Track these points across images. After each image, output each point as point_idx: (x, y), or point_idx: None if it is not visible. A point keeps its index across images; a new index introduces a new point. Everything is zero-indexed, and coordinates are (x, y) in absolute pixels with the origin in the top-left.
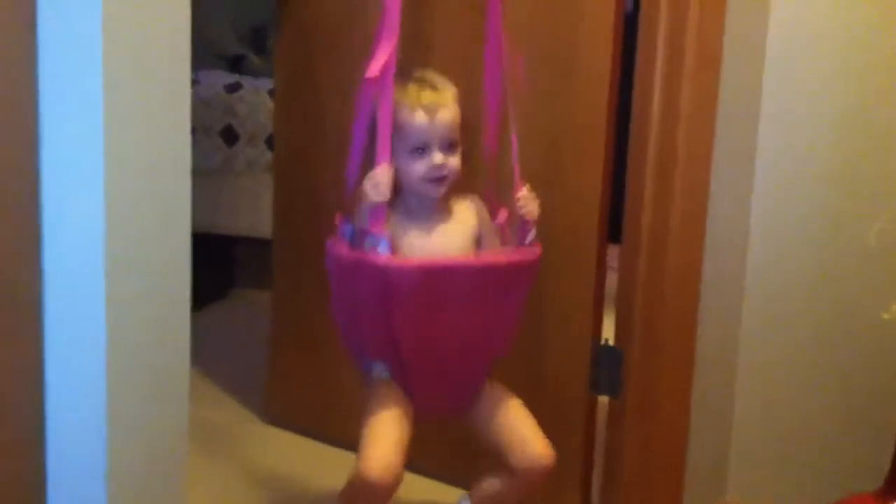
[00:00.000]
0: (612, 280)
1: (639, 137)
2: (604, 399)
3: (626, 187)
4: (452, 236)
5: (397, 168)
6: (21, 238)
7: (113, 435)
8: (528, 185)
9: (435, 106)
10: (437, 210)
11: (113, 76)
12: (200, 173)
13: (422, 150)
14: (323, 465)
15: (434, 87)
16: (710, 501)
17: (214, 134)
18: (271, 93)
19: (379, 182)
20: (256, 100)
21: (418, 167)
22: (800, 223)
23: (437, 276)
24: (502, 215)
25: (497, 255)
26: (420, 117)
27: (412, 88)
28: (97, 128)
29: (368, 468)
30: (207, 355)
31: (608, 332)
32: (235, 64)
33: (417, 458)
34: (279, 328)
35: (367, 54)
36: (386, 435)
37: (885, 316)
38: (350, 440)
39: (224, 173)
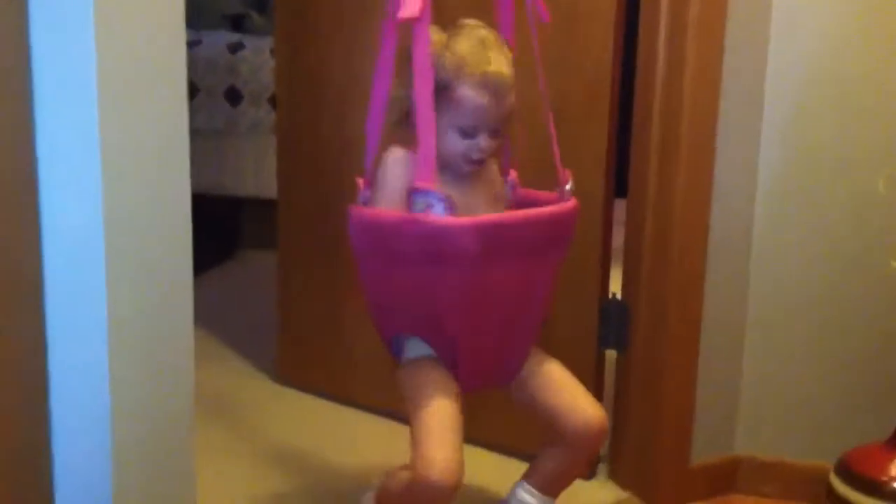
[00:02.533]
0: (618, 234)
1: (644, 90)
2: (612, 353)
3: (631, 140)
4: (480, 196)
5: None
6: (19, 217)
7: (117, 402)
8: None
9: (504, 87)
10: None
11: (106, 47)
12: (205, 135)
13: (470, 131)
14: (335, 425)
15: (501, 53)
16: (719, 455)
17: (218, 95)
18: (273, 51)
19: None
20: (259, 59)
21: (459, 145)
22: (808, 174)
23: (493, 234)
24: (512, 174)
25: (541, 209)
26: (484, 99)
27: (474, 49)
28: (91, 100)
29: (432, 472)
30: (215, 318)
31: (615, 287)
32: (237, 23)
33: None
34: (286, 289)
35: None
36: (444, 430)
37: (895, 264)
38: (362, 400)
39: (228, 134)
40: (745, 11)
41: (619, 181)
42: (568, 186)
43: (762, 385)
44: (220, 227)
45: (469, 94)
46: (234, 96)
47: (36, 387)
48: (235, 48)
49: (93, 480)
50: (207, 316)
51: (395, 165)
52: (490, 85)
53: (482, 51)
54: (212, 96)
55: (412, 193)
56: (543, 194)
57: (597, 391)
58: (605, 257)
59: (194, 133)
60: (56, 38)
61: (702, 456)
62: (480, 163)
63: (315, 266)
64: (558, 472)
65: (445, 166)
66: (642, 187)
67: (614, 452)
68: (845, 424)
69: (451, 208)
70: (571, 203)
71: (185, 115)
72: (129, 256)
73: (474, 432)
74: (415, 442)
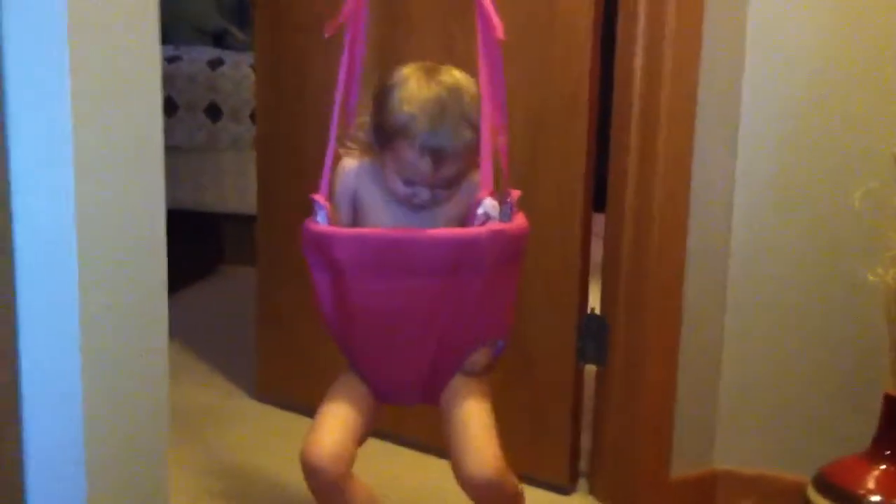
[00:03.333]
0: (597, 248)
1: (622, 103)
2: (591, 368)
3: (609, 154)
4: (439, 216)
5: (381, 155)
6: None
7: (90, 419)
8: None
9: (445, 157)
10: None
11: (79, 55)
12: (185, 151)
13: (409, 183)
14: None
15: (459, 120)
16: (698, 468)
17: (199, 111)
18: (254, 67)
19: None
20: (239, 74)
21: (401, 189)
22: (785, 187)
23: (375, 247)
24: (514, 196)
25: (439, 231)
26: (421, 162)
27: (430, 109)
28: (65, 110)
29: (306, 448)
30: (196, 333)
31: (594, 301)
32: (219, 39)
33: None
34: (265, 304)
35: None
36: (331, 419)
37: (871, 278)
38: None
39: (209, 150)
40: (721, 23)
41: (598, 196)
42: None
43: (741, 398)
44: (201, 243)
45: (407, 153)
46: (214, 112)
47: (8, 395)
48: (216, 64)
49: (65, 492)
50: (187, 332)
51: (341, 176)
52: (429, 152)
53: (437, 113)
54: (192, 112)
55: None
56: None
57: (575, 406)
58: (584, 272)
59: (175, 149)
60: (30, 46)
61: (681, 470)
62: (427, 206)
63: (295, 282)
64: None
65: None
66: (620, 201)
67: (593, 467)
68: (826, 436)
69: (329, 218)
70: (485, 228)
71: (160, 122)
72: (102, 262)
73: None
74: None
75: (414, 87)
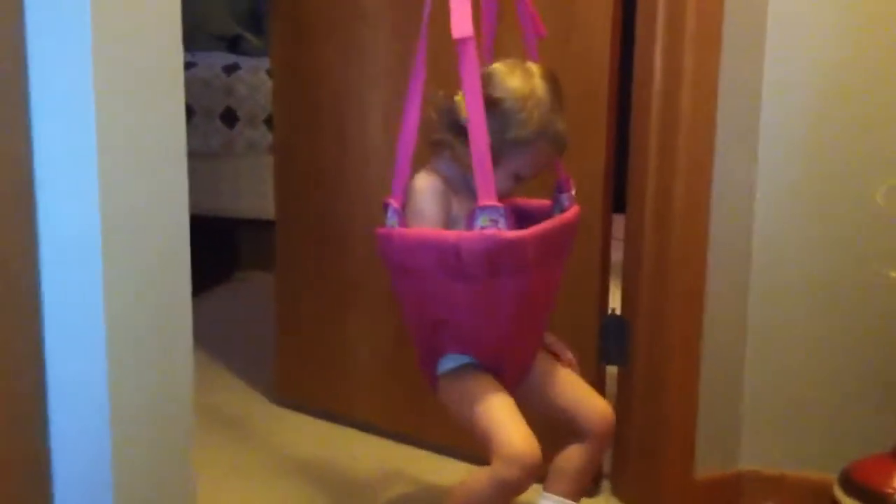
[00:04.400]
0: (616, 250)
1: (641, 103)
2: (612, 369)
3: (629, 155)
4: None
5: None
6: (17, 233)
7: (117, 425)
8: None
9: (565, 142)
10: None
11: (103, 61)
12: (202, 156)
13: (526, 177)
14: (334, 444)
15: (562, 109)
16: (722, 469)
17: (214, 116)
18: (269, 72)
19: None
20: (255, 80)
21: (508, 185)
22: (807, 185)
23: (547, 241)
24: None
25: (566, 215)
26: (553, 155)
27: (550, 107)
28: (89, 116)
29: (516, 448)
30: (214, 338)
31: (614, 302)
32: (234, 45)
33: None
34: (283, 309)
35: (364, 30)
36: (512, 415)
37: (894, 275)
38: (359, 418)
39: (225, 156)
40: (741, 22)
41: (618, 197)
42: (573, 192)
43: (765, 397)
44: (218, 248)
45: (545, 150)
46: (230, 117)
47: (34, 401)
48: (231, 69)
49: (93, 495)
50: (205, 336)
51: (435, 196)
52: (559, 145)
53: (559, 108)
54: (208, 118)
55: (475, 210)
56: (538, 203)
57: None
58: (605, 273)
59: (190, 155)
60: (54, 53)
61: (705, 470)
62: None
63: (313, 286)
64: (581, 471)
65: (464, 185)
66: (641, 202)
67: (617, 468)
68: (849, 435)
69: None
70: (575, 210)
71: (183, 128)
72: (127, 269)
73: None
74: (490, 435)
75: (532, 90)
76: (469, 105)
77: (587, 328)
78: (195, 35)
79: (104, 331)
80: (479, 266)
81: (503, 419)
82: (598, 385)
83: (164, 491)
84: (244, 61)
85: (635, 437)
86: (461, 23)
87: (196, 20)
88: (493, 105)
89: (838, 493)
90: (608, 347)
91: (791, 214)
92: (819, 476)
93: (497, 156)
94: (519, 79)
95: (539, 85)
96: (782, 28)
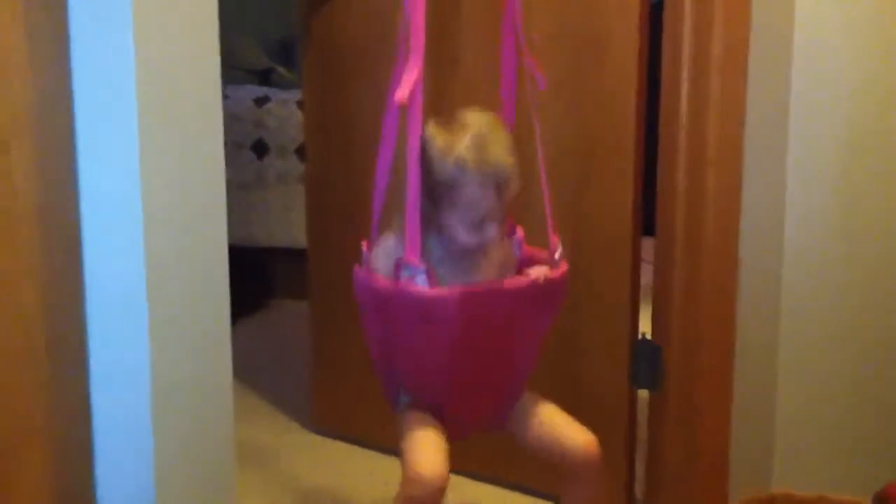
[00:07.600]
0: (646, 273)
1: (669, 129)
2: (643, 393)
3: (657, 179)
4: (493, 261)
5: (438, 216)
6: (64, 265)
7: (160, 456)
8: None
9: (505, 178)
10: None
11: (146, 97)
12: (233, 187)
13: (479, 224)
14: (372, 473)
15: (500, 144)
16: (756, 493)
17: (246, 148)
18: (299, 104)
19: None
20: (285, 111)
21: (465, 236)
22: (836, 209)
23: (477, 303)
24: (519, 233)
25: (526, 277)
26: (488, 195)
27: (475, 146)
28: (133, 152)
29: (416, 471)
30: (249, 367)
31: (644, 326)
32: (265, 77)
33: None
34: (319, 338)
35: (395, 64)
36: (428, 440)
37: None
38: (397, 447)
39: (256, 186)
40: (767, 47)
41: (647, 219)
42: (557, 255)
43: (798, 419)
44: (252, 278)
45: (470, 191)
46: (260, 149)
47: (80, 438)
48: (262, 101)
49: None
50: (241, 366)
51: (385, 252)
52: (490, 181)
53: (482, 147)
54: (239, 149)
55: (401, 265)
56: (542, 253)
57: (630, 431)
58: (635, 297)
59: None
60: (99, 99)
61: (739, 493)
62: (493, 242)
63: (347, 315)
64: None
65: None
66: (670, 225)
67: (650, 492)
68: (884, 457)
69: (432, 279)
70: (559, 270)
71: (222, 165)
72: (170, 305)
73: (512, 475)
74: (403, 459)
75: (447, 135)
76: (409, 171)
77: (618, 352)
78: (226, 68)
79: (148, 367)
80: (402, 315)
81: (415, 447)
82: (630, 409)
83: None
84: (274, 93)
85: (669, 461)
86: (404, 89)
87: (228, 54)
88: (422, 153)
89: None
90: (639, 371)
91: (821, 239)
92: (853, 499)
93: (439, 203)
94: (445, 124)
95: (468, 124)
96: (808, 55)
